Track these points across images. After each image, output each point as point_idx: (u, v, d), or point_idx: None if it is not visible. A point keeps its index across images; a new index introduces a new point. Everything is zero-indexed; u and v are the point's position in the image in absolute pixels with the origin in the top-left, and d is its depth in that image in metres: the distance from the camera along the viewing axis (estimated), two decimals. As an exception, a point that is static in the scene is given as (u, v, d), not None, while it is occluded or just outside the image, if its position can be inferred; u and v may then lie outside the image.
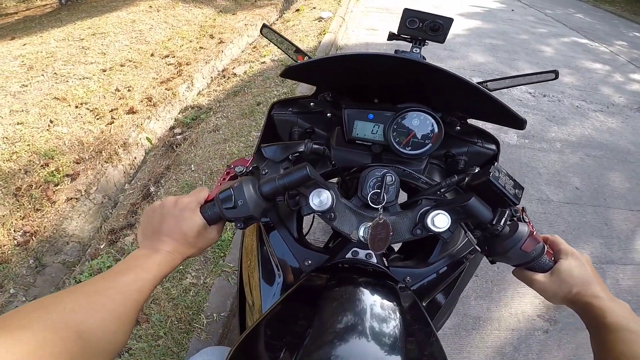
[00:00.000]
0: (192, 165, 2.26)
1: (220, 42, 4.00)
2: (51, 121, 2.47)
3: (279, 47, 0.84)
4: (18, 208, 1.93)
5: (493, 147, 0.72)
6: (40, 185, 2.05)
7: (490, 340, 1.53)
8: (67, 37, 3.73)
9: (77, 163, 2.24)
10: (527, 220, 0.54)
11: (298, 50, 0.81)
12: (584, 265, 0.50)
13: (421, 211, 0.54)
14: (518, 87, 3.36)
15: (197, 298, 1.53)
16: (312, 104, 0.75)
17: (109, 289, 0.39)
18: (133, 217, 2.03)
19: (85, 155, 2.29)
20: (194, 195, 0.52)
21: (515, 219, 0.52)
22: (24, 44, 3.61)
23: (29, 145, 2.25)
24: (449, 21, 0.62)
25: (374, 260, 0.59)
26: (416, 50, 0.67)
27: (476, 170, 0.52)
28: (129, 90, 2.96)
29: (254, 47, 4.15)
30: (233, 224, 0.52)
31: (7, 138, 2.27)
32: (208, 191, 0.54)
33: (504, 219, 0.49)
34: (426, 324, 0.49)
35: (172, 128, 2.91)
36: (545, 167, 2.45)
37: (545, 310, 1.65)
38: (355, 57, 0.56)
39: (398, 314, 0.47)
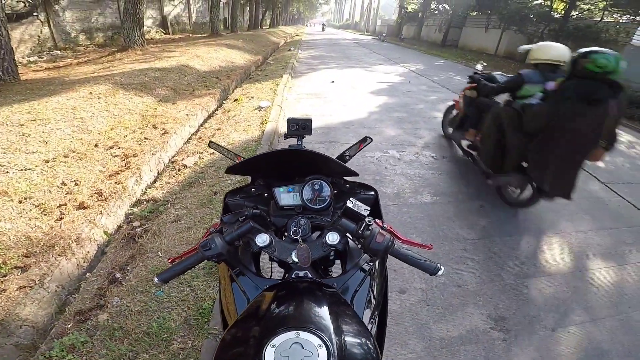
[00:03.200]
0: (159, 252, 2.35)
1: (164, 133, 4.22)
2: (-9, 217, 2.37)
3: (224, 156, 1.18)
4: None
5: (372, 192, 1.10)
6: (-15, 278, 1.95)
7: (461, 356, 1.81)
8: (4, 121, 3.56)
9: (27, 257, 2.17)
10: (385, 227, 0.85)
11: (236, 155, 1.15)
12: None
13: (324, 236, 0.85)
14: (420, 154, 4.20)
15: (188, 360, 1.59)
16: (252, 189, 1.09)
17: None
18: (102, 299, 2.02)
19: (36, 250, 2.23)
20: None
21: (370, 226, 0.81)
22: None
23: (-34, 243, 2.12)
24: (309, 121, 1.05)
25: (310, 276, 0.85)
26: (299, 142, 1.06)
27: (347, 205, 0.86)
28: (76, 185, 2.97)
29: (199, 138, 4.43)
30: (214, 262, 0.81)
31: (-63, 238, 2.13)
32: None
33: (362, 226, 0.81)
34: (349, 309, 0.74)
35: (130, 222, 2.91)
36: (456, 216, 3.04)
37: (495, 323, 2.02)
38: (266, 154, 0.94)
39: (326, 304, 0.70)
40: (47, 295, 2.05)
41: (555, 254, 2.67)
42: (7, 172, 2.82)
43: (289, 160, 1.01)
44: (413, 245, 0.87)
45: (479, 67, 4.08)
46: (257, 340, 0.59)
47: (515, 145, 2.73)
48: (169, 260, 0.86)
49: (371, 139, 1.22)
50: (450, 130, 4.35)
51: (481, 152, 3.31)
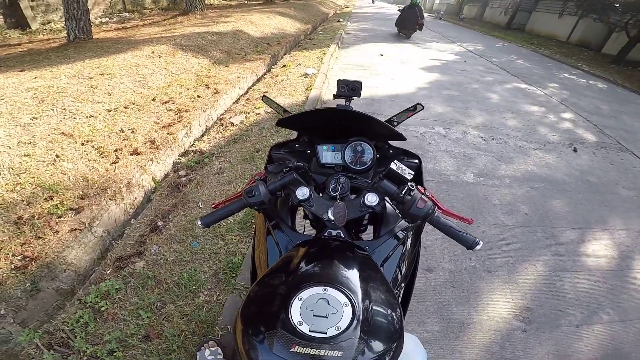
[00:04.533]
0: (200, 203, 2.31)
1: (215, 92, 4.18)
2: (57, 156, 2.45)
3: (274, 110, 1.12)
4: (18, 235, 1.87)
5: (415, 160, 1.00)
6: (43, 217, 2.00)
7: (477, 341, 1.64)
8: (77, 74, 3.71)
9: (82, 198, 2.22)
10: (427, 195, 0.75)
11: (286, 111, 1.09)
12: None
13: (362, 196, 0.77)
14: (468, 133, 3.81)
15: (210, 313, 1.55)
16: (296, 145, 1.03)
17: None
18: (142, 246, 2.03)
19: (90, 192, 2.27)
20: None
21: (412, 191, 0.73)
22: (35, 77, 3.56)
23: (33, 177, 2.20)
24: (359, 83, 0.97)
25: (343, 236, 0.80)
26: (347, 103, 0.99)
27: (391, 167, 0.79)
28: (132, 132, 3.01)
29: (247, 99, 4.36)
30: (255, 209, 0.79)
31: (12, 168, 2.21)
32: None
33: (404, 190, 0.73)
34: (379, 275, 0.68)
35: (176, 170, 2.95)
36: (498, 200, 2.72)
37: (519, 313, 1.80)
38: (315, 111, 0.89)
39: (357, 266, 0.65)
40: (94, 239, 2.08)
41: (599, 249, 2.31)
42: (74, 117, 2.92)
43: (336, 119, 0.94)
44: (453, 217, 0.77)
45: (398, 7, 11.42)
46: (285, 291, 0.57)
47: (401, 19, 10.35)
48: (213, 206, 0.81)
49: (422, 106, 1.06)
50: (395, 26, 10.65)
51: (397, 24, 10.54)
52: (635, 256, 2.29)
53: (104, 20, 8.25)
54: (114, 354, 1.38)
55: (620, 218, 2.67)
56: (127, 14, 9.16)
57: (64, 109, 2.99)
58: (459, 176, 3.00)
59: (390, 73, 5.98)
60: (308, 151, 1.02)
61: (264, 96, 1.13)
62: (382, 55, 7.50)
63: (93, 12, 8.15)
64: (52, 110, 2.94)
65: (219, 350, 1.35)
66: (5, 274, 1.68)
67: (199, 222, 0.75)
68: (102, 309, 1.59)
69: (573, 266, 2.15)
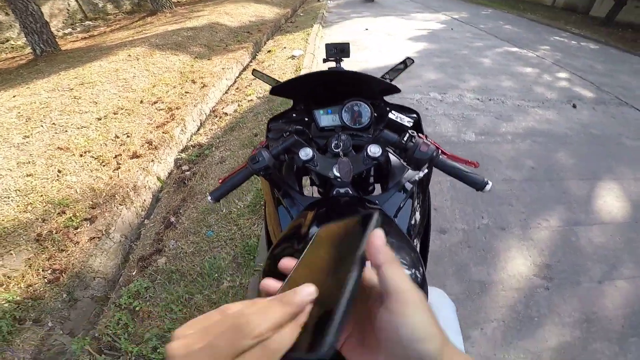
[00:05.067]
0: (208, 194, 2.38)
1: (203, 86, 4.17)
2: (59, 171, 2.48)
3: (267, 83, 1.13)
4: (42, 251, 1.94)
5: (414, 115, 1.02)
6: (61, 230, 2.07)
7: (501, 300, 1.71)
8: (56, 87, 3.68)
9: (93, 208, 2.27)
10: (429, 141, 0.78)
11: (277, 82, 1.11)
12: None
13: (365, 149, 0.79)
14: (464, 96, 3.86)
15: (236, 297, 1.64)
16: (294, 115, 1.05)
17: None
18: (159, 244, 2.11)
19: (100, 200, 2.32)
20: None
21: (414, 137, 0.76)
22: (14, 96, 3.54)
23: (42, 196, 2.25)
24: (347, 45, 1.02)
25: (351, 193, 0.81)
26: (338, 65, 1.04)
27: (390, 116, 0.84)
28: (127, 137, 3.03)
29: (237, 88, 4.36)
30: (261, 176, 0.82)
31: (19, 190, 2.26)
32: None
33: (405, 137, 0.76)
34: (394, 224, 0.72)
35: (179, 166, 3.00)
36: (502, 155, 2.80)
37: (538, 270, 1.87)
38: (307, 75, 0.88)
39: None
40: (113, 245, 2.15)
41: (610, 201, 2.37)
42: (66, 130, 2.94)
43: (329, 82, 0.95)
44: (458, 160, 0.79)
45: None
46: (301, 249, 0.56)
47: None
48: (219, 181, 0.83)
49: (412, 61, 1.07)
50: None
51: None
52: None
53: (66, 31, 7.98)
54: (158, 350, 1.47)
55: (628, 167, 2.73)
56: (90, 23, 8.79)
57: (53, 123, 3.00)
58: (461, 136, 3.07)
59: (377, 46, 5.95)
60: (306, 119, 1.03)
61: (254, 70, 1.16)
62: (367, 29, 7.42)
63: (52, 24, 7.76)
64: (42, 126, 2.96)
65: None
66: (41, 289, 1.76)
67: (209, 197, 0.78)
68: (137, 308, 1.68)
69: (586, 219, 2.21)
